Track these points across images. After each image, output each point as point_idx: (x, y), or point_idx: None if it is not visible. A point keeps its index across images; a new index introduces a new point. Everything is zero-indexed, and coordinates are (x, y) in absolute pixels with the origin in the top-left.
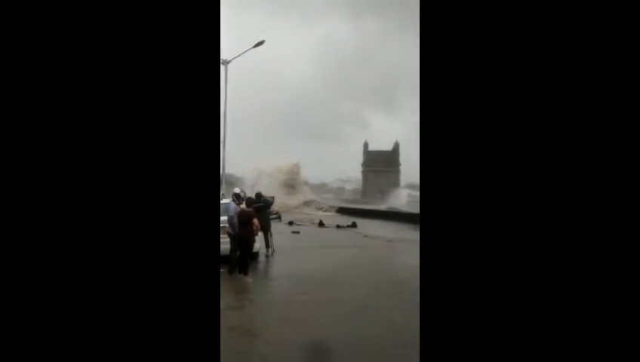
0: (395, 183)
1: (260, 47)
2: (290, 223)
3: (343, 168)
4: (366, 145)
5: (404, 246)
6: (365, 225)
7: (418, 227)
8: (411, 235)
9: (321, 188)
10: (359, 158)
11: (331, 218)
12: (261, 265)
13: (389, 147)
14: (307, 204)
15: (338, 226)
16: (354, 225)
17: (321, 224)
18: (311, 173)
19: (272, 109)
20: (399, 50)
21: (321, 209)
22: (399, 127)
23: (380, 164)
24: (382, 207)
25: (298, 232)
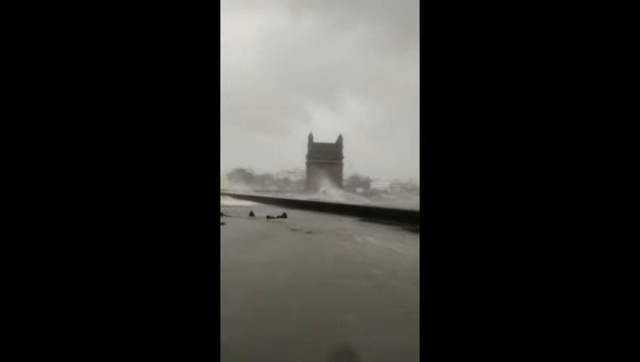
0: (339, 175)
1: None
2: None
3: (288, 160)
4: (311, 137)
5: (316, 238)
6: (296, 215)
7: (343, 217)
8: (333, 226)
9: (266, 179)
10: (304, 150)
11: (265, 209)
12: None
13: (332, 140)
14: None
15: (268, 217)
16: (284, 215)
17: (251, 214)
18: (256, 165)
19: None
20: (339, 45)
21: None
22: (341, 121)
23: (324, 156)
24: (313, 197)
25: (224, 223)
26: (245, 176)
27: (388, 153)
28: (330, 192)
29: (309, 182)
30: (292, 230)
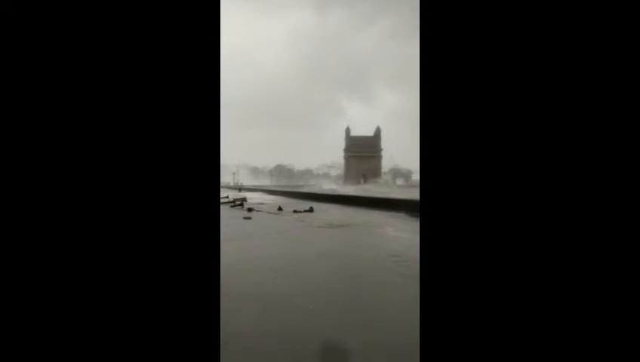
0: (377, 167)
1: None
2: (250, 209)
3: (327, 154)
4: (348, 130)
5: (334, 233)
6: (325, 209)
7: (376, 210)
8: (361, 220)
9: (306, 174)
10: (342, 144)
11: (295, 204)
12: None
13: (370, 133)
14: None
15: (295, 211)
16: (311, 209)
17: (280, 209)
18: (297, 161)
19: (248, 100)
20: (366, 39)
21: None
22: (377, 113)
23: (362, 149)
24: (341, 191)
25: (249, 218)
26: (286, 171)
27: None
28: (363, 186)
29: (347, 176)
30: (307, 225)
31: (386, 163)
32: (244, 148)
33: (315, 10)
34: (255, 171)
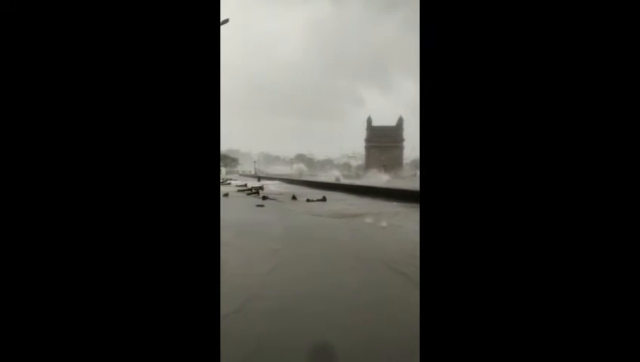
0: (399, 158)
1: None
2: (264, 198)
3: (348, 145)
4: (369, 120)
5: (336, 222)
6: (339, 198)
7: (389, 200)
8: (372, 208)
9: (326, 164)
10: (363, 134)
11: (310, 193)
12: None
13: (390, 123)
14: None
15: (308, 200)
16: (324, 199)
17: (293, 198)
18: (317, 150)
19: (269, 90)
20: (382, 29)
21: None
22: (396, 104)
23: (384, 140)
24: (357, 182)
25: (262, 206)
26: (306, 161)
27: None
28: (378, 176)
29: (368, 166)
30: (313, 215)
31: (408, 154)
32: (265, 138)
33: (331, 0)
34: (276, 160)
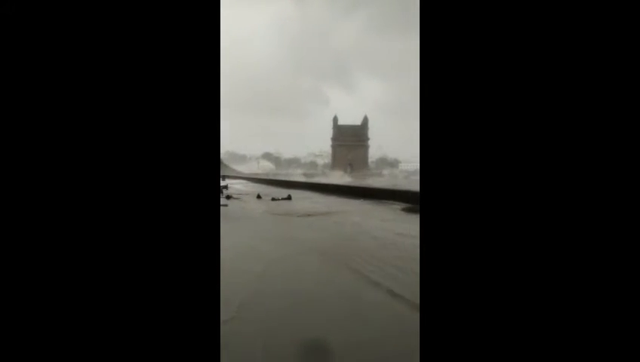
0: (364, 157)
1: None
2: (228, 197)
3: (315, 143)
4: (335, 119)
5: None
6: (305, 197)
7: (356, 198)
8: (338, 207)
9: (293, 162)
10: (329, 133)
11: (276, 192)
12: None
13: (355, 122)
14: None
15: (273, 199)
16: (289, 197)
17: (258, 197)
18: (284, 149)
19: (234, 90)
20: (345, 30)
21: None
22: (360, 103)
23: (349, 139)
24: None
25: (226, 205)
26: (272, 160)
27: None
28: (344, 174)
29: (334, 164)
30: (273, 214)
31: (374, 152)
32: (231, 136)
33: (294, 1)
34: (243, 159)
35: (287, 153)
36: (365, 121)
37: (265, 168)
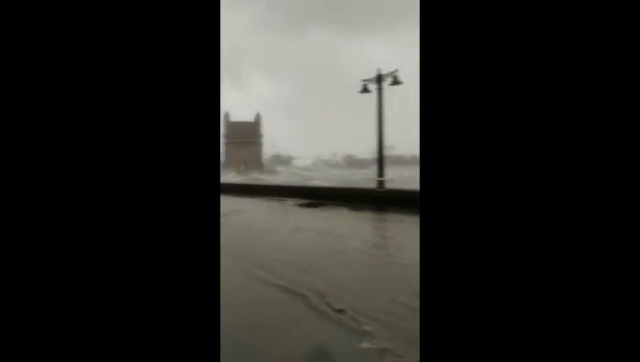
0: (258, 154)
1: None
2: None
3: None
4: (227, 115)
5: None
6: None
7: (253, 196)
8: (232, 206)
9: None
10: (221, 130)
11: None
12: None
13: (248, 118)
14: None
15: None
16: None
17: None
18: None
19: None
20: (232, 26)
21: None
22: (251, 101)
23: (243, 136)
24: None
25: None
26: None
27: (310, 131)
28: (228, 173)
29: (228, 163)
30: None
31: (267, 149)
32: None
33: None
34: None
35: None
36: (258, 117)
37: None
